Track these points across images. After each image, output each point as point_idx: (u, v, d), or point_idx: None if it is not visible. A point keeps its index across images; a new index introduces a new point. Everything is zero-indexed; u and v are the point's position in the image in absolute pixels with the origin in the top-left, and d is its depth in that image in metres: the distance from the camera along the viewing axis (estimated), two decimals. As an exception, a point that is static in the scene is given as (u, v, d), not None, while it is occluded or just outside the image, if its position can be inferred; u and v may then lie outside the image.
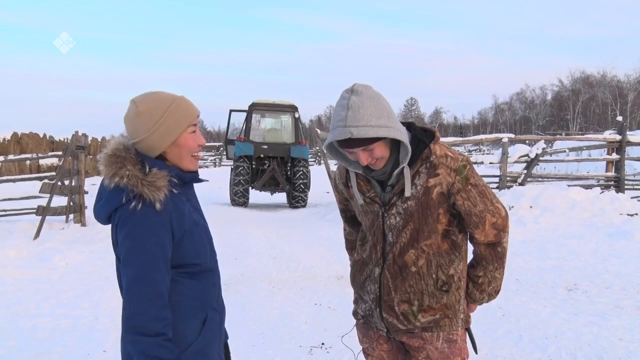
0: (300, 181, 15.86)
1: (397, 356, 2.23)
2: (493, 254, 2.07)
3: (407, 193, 1.97)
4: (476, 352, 2.20)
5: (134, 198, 1.70)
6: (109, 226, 1.80)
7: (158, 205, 1.70)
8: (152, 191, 1.70)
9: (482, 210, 1.99)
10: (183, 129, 1.80)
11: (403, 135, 1.92)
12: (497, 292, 2.16)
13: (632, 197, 11.23)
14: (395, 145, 1.98)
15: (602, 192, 11.11)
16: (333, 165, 14.53)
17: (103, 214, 1.77)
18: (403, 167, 1.96)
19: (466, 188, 1.98)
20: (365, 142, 1.88)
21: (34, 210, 10.12)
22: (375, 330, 2.19)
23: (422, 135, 2.02)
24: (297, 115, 16.88)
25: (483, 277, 2.10)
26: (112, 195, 1.73)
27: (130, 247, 1.68)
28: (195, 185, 1.95)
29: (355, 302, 2.26)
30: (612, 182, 12.71)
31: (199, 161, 1.94)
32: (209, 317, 1.84)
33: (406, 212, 1.99)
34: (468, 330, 2.17)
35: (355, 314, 2.27)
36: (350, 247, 2.42)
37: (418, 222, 1.99)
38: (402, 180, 1.98)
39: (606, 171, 13.23)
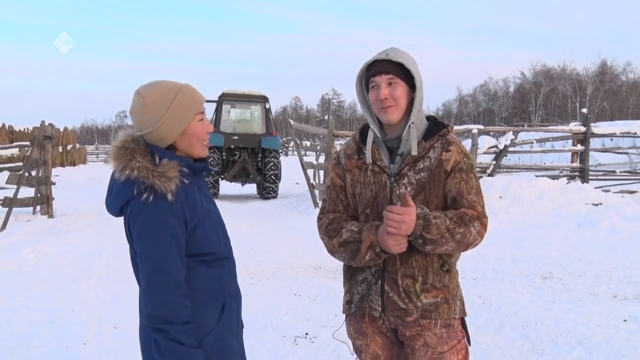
0: (271, 172, 15.82)
1: (392, 351, 2.18)
2: (464, 217, 1.95)
3: (414, 152, 2.00)
4: (469, 345, 2.20)
5: (145, 190, 1.68)
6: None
7: (170, 196, 1.69)
8: (163, 182, 1.68)
9: (474, 201, 2.01)
10: (191, 118, 1.80)
11: (422, 93, 2.04)
12: (433, 241, 1.91)
13: (595, 187, 11.55)
14: (409, 111, 2.04)
15: (569, 182, 11.40)
16: (314, 159, 14.51)
17: (115, 207, 1.76)
18: (410, 126, 2.00)
19: (468, 174, 2.02)
20: (394, 70, 1.99)
21: (0, 202, 9.82)
22: (368, 320, 2.13)
23: (441, 120, 2.13)
24: (267, 106, 16.79)
25: (439, 217, 1.93)
26: (123, 188, 1.71)
27: (146, 241, 1.68)
28: None
29: (348, 290, 2.19)
30: (577, 173, 13.05)
31: None
32: (227, 304, 1.84)
33: (418, 182, 2.01)
34: (463, 322, 2.17)
35: (348, 305, 2.18)
36: (333, 230, 2.10)
37: (429, 193, 2.01)
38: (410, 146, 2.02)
39: (571, 162, 13.57)
